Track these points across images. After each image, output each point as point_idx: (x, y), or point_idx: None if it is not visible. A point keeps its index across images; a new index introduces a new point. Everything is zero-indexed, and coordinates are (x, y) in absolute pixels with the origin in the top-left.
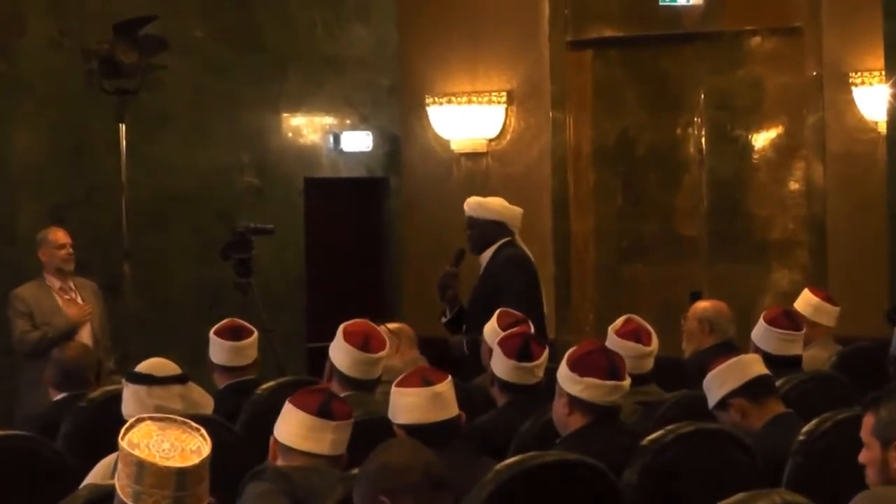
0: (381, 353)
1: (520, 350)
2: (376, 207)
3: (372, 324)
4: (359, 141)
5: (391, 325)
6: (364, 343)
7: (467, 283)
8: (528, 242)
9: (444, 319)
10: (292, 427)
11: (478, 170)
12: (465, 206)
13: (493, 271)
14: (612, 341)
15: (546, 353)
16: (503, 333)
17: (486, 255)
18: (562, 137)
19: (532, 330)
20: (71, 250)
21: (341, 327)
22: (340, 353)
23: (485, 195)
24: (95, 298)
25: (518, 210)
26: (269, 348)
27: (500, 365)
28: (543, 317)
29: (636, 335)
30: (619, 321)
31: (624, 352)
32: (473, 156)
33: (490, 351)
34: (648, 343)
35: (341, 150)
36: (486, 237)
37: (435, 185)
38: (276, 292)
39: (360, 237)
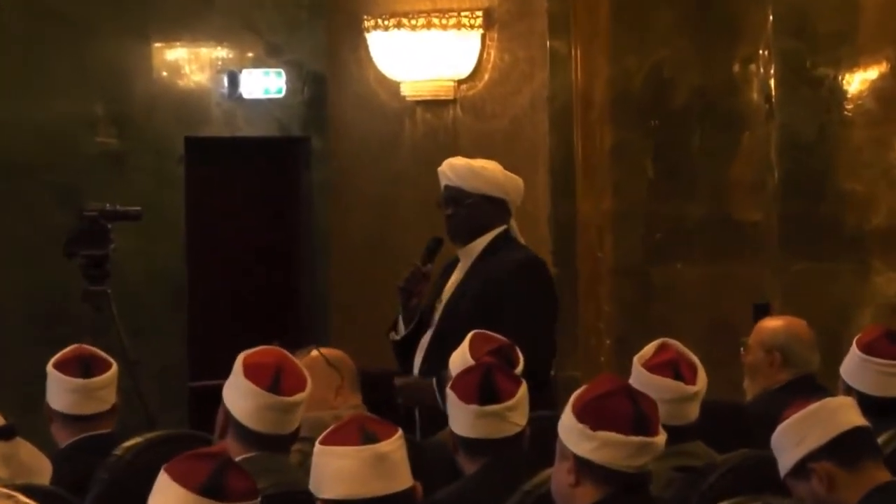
0: (299, 396)
1: (480, 388)
2: (292, 182)
3: (285, 352)
4: (266, 83)
5: (328, 352)
6: (274, 380)
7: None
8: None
9: (394, 336)
10: None
11: (441, 126)
12: (448, 173)
13: (494, 277)
14: (640, 378)
15: (523, 389)
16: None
17: (475, 248)
18: (564, 78)
19: (520, 363)
20: None
21: (241, 358)
22: (240, 395)
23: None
24: None
25: (518, 181)
26: (133, 388)
27: (458, 416)
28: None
29: (674, 369)
30: (650, 348)
31: (657, 393)
32: (435, 105)
33: None
34: (692, 380)
35: (240, 98)
36: (481, 221)
37: (378, 147)
38: (146, 306)
39: (267, 225)
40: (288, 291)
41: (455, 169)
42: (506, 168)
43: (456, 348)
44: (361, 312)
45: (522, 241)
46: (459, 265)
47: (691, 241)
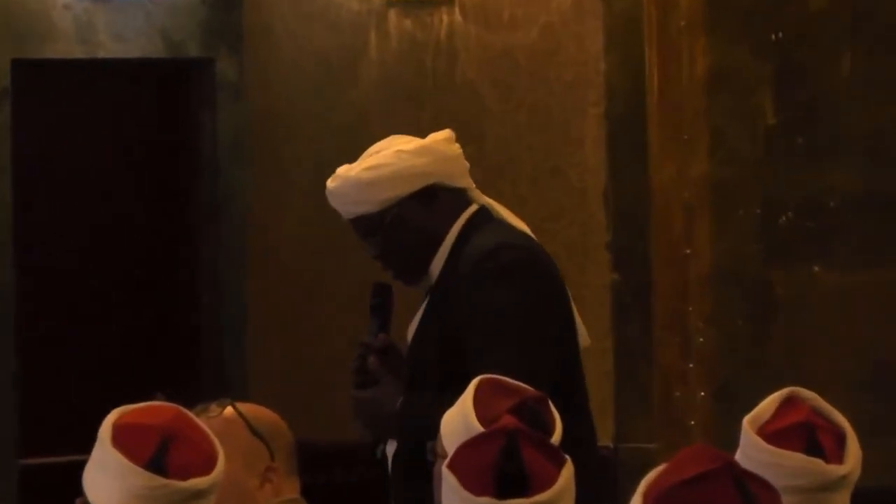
0: (200, 481)
1: (498, 470)
2: (186, 131)
3: (181, 410)
4: None
5: (250, 411)
6: (158, 452)
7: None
8: (553, 216)
9: (378, 452)
10: None
11: (429, 40)
12: (337, 205)
13: (458, 289)
14: (755, 452)
15: (567, 472)
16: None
17: (438, 259)
18: None
19: (557, 426)
20: None
21: (110, 419)
22: (105, 475)
23: (444, 104)
24: None
25: (435, 143)
26: None
27: None
28: (586, 395)
29: (809, 437)
30: (770, 404)
31: (781, 476)
32: (419, 7)
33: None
34: (837, 456)
35: None
36: (420, 237)
37: (326, 75)
38: None
39: (147, 203)
40: (180, 313)
41: (337, 197)
42: (529, 116)
43: (436, 411)
44: (299, 349)
45: (504, 214)
46: (429, 289)
47: (837, 230)
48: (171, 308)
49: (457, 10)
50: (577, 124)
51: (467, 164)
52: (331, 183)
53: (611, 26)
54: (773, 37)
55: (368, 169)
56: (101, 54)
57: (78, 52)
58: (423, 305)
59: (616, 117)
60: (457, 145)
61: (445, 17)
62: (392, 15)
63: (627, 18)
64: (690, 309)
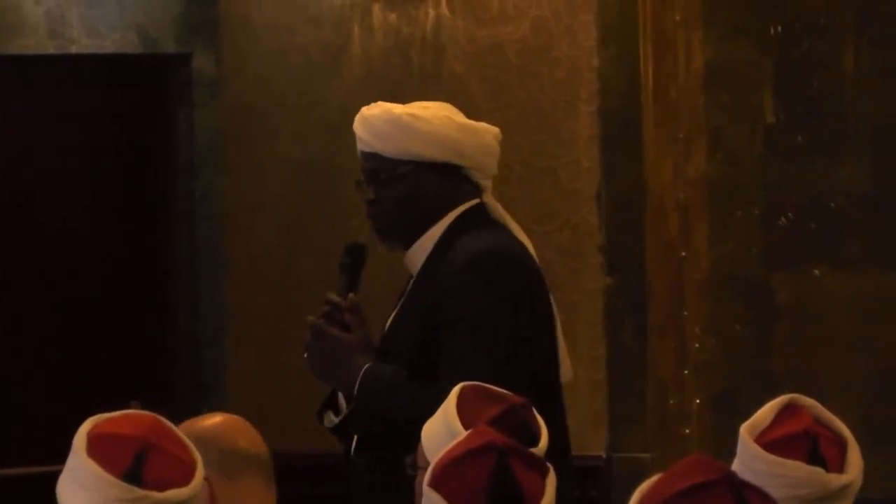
0: (176, 493)
1: (490, 488)
2: (162, 129)
3: (159, 419)
4: None
5: (215, 422)
6: (135, 463)
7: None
8: (544, 218)
9: (331, 419)
10: None
11: (415, 36)
12: (360, 130)
13: (443, 288)
14: (753, 461)
15: (550, 484)
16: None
17: (422, 247)
18: None
19: (543, 434)
20: None
21: (85, 427)
22: (80, 486)
23: (431, 101)
24: None
25: (485, 134)
26: None
27: None
28: (563, 405)
29: (810, 446)
30: (769, 412)
31: (781, 486)
32: (404, 1)
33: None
34: (839, 464)
35: None
36: (419, 205)
37: (307, 73)
38: None
39: (120, 207)
40: (156, 320)
41: (367, 122)
42: (525, 111)
43: (395, 393)
44: (278, 356)
45: (514, 227)
46: (410, 281)
47: (840, 231)
48: (146, 314)
49: (444, 3)
50: (570, 123)
51: (496, 170)
52: (368, 110)
53: (604, 20)
54: (773, 30)
55: (412, 115)
56: (74, 50)
57: (50, 48)
58: (406, 292)
59: (610, 115)
60: (498, 146)
61: (432, 11)
62: (376, 8)
63: (621, 12)
64: (687, 314)
